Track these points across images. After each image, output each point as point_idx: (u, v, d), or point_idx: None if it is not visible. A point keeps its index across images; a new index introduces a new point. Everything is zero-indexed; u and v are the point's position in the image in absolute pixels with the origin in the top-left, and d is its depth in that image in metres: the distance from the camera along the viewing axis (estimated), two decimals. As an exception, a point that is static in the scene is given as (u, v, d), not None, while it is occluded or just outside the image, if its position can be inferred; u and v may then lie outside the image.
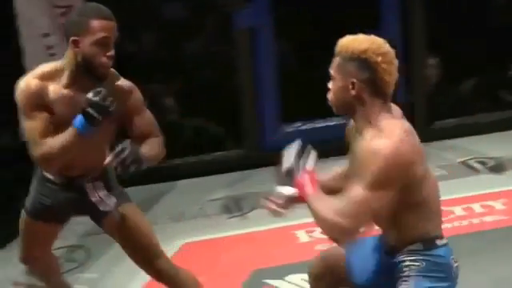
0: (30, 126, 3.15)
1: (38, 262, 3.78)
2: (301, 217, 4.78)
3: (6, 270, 4.77)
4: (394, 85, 2.78)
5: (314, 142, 5.80)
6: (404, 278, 2.84)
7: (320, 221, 2.78)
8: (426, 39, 6.12)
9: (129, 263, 4.53)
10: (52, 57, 5.26)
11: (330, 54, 6.06)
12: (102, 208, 3.46)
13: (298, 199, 2.87)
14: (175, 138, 6.03)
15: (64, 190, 3.43)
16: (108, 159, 3.04)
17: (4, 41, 5.25)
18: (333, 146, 5.70)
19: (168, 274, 3.60)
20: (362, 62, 2.76)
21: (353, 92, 2.78)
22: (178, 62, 6.01)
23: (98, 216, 3.53)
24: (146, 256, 3.58)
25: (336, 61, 2.84)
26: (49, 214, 3.52)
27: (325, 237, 4.39)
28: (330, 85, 2.90)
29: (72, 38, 3.11)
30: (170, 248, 4.64)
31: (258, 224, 4.91)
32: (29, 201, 3.55)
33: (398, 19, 6.01)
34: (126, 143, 3.04)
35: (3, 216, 5.22)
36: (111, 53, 3.09)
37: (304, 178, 2.87)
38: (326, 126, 5.84)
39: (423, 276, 2.82)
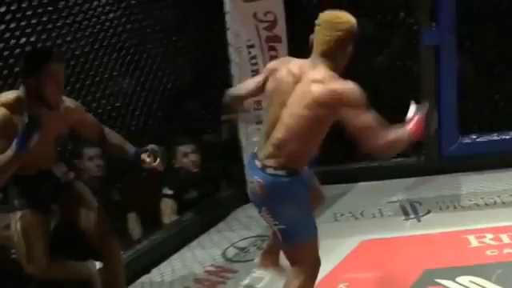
0: None
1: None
2: (472, 223, 4.67)
3: (204, 251, 4.91)
4: None
5: (488, 154, 5.65)
6: None
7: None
8: None
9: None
10: (254, 66, 5.37)
11: (509, 71, 5.83)
12: (64, 179, 3.79)
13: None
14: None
15: (39, 179, 3.67)
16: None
17: (216, 51, 5.42)
18: (505, 158, 5.53)
19: (115, 254, 3.90)
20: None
21: None
22: (367, 73, 5.94)
23: (58, 193, 3.77)
24: (98, 231, 3.82)
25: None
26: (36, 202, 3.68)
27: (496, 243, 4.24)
28: None
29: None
30: (350, 243, 4.68)
31: (432, 227, 4.80)
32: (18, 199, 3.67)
33: None
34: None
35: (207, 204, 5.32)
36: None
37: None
38: (501, 139, 5.70)
39: None
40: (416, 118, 3.45)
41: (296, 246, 3.40)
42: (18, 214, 3.64)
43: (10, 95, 3.45)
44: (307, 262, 3.43)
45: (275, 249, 3.93)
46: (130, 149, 3.84)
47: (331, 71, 3.29)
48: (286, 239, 3.41)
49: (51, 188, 3.74)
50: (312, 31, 5.54)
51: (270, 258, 4.03)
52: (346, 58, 3.41)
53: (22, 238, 3.63)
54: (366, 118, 3.26)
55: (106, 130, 3.90)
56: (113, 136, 3.90)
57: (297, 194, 3.38)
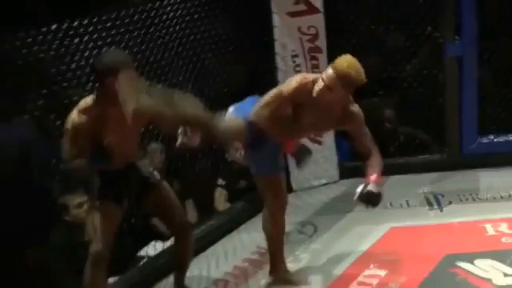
0: None
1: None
2: (489, 213, 4.73)
3: (252, 235, 4.95)
4: None
5: (504, 152, 5.69)
6: None
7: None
8: None
9: (346, 239, 4.66)
10: (298, 73, 5.47)
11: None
12: (152, 180, 3.79)
13: None
14: (391, 142, 6.07)
15: (126, 174, 3.66)
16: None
17: (265, 60, 5.49)
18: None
19: (190, 239, 3.98)
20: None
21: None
22: (396, 80, 6.02)
23: (145, 190, 3.78)
24: (177, 222, 3.88)
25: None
26: (116, 195, 3.65)
27: (510, 231, 4.30)
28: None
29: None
30: (380, 230, 4.71)
31: (453, 217, 4.83)
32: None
33: None
34: None
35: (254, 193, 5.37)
36: None
37: None
38: (517, 140, 5.71)
39: None
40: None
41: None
42: (97, 202, 3.64)
43: (87, 101, 3.47)
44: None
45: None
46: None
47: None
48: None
49: (137, 184, 3.74)
50: (349, 44, 5.71)
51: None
52: None
53: (93, 222, 3.64)
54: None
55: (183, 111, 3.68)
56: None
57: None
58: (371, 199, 3.66)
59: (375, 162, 3.78)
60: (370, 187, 3.65)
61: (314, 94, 3.61)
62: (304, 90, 3.67)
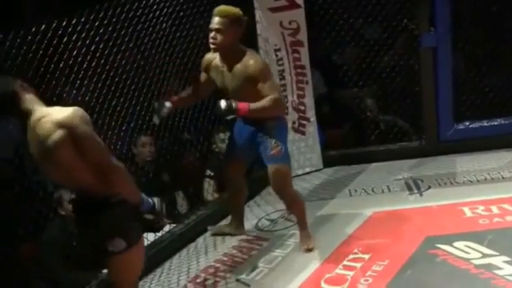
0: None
1: None
2: (466, 196, 4.69)
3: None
4: None
5: (479, 138, 5.67)
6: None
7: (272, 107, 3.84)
8: None
9: (331, 224, 4.62)
10: (280, 66, 5.41)
11: (496, 67, 5.82)
12: None
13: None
14: (372, 130, 6.03)
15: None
16: None
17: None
18: (495, 141, 5.55)
19: None
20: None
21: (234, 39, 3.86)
22: (375, 71, 5.97)
23: None
24: None
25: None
26: None
27: (487, 213, 4.26)
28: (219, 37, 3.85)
29: None
30: (363, 215, 4.67)
31: (432, 200, 4.80)
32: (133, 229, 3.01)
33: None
34: None
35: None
36: None
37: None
38: (490, 125, 5.69)
39: None
40: None
41: None
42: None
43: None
44: None
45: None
46: None
47: None
48: None
49: None
50: (329, 37, 5.61)
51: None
52: None
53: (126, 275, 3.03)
54: None
55: None
56: None
57: None
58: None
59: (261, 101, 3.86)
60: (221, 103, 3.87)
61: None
62: (207, 59, 4.13)
